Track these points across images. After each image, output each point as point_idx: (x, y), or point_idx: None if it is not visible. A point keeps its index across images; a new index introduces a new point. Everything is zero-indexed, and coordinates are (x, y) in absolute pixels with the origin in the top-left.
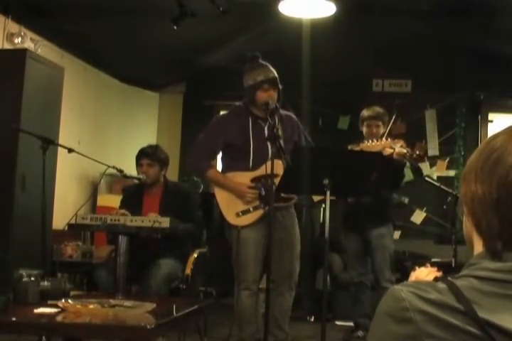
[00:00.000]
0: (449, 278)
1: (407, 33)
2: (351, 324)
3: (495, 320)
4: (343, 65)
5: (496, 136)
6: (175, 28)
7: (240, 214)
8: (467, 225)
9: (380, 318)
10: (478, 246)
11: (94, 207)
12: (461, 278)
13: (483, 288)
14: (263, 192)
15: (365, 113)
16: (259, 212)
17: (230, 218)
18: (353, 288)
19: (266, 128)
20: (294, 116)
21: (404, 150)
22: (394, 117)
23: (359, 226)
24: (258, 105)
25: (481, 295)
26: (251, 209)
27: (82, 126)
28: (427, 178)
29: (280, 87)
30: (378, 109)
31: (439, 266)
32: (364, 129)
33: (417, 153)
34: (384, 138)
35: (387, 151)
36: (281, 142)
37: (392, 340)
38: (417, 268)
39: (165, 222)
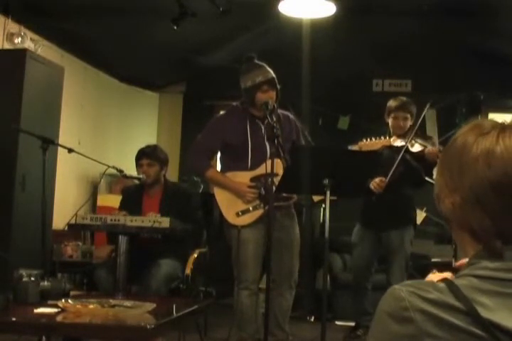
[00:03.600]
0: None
1: (407, 33)
2: (351, 324)
3: (495, 319)
4: (343, 65)
5: (450, 145)
6: (175, 28)
7: (240, 213)
8: (460, 238)
9: (380, 318)
10: (472, 251)
11: (94, 207)
12: (460, 278)
13: (483, 286)
14: (263, 192)
15: (392, 103)
16: (259, 212)
17: (230, 218)
18: (354, 287)
19: (264, 128)
20: (291, 116)
21: (436, 149)
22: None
23: (378, 226)
24: (257, 105)
25: (481, 294)
26: (251, 209)
27: (82, 126)
28: (427, 178)
29: (278, 87)
30: (406, 99)
31: (440, 266)
32: (390, 121)
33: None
34: (382, 136)
35: (417, 147)
36: (281, 141)
37: (392, 340)
38: (435, 271)
39: (165, 222)
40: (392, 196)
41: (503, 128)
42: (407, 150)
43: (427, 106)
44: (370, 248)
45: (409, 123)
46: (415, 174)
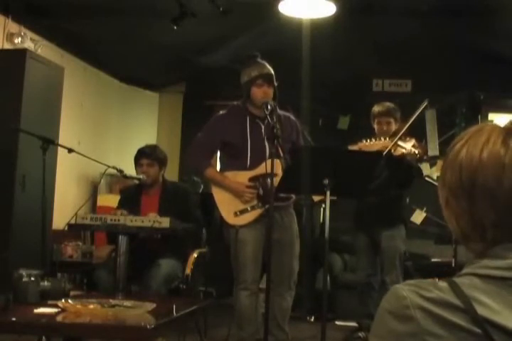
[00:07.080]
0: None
1: (407, 33)
2: (351, 324)
3: (494, 318)
4: (343, 65)
5: (457, 150)
6: (175, 28)
7: (238, 213)
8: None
9: (381, 316)
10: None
11: (94, 207)
12: (462, 277)
13: (484, 285)
14: (261, 192)
15: (375, 109)
16: (257, 212)
17: (228, 218)
18: (360, 289)
19: (264, 128)
20: (292, 117)
21: (416, 151)
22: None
23: (369, 226)
24: (255, 103)
25: (481, 293)
26: (249, 209)
27: (82, 126)
28: (427, 178)
29: (276, 83)
30: (389, 105)
31: (440, 266)
32: (375, 126)
33: (428, 155)
34: (382, 138)
35: (399, 151)
36: (280, 141)
37: (393, 338)
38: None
39: (165, 222)
40: (379, 198)
41: (475, 132)
42: (390, 154)
43: (425, 103)
44: (365, 248)
45: (393, 127)
46: (400, 176)
